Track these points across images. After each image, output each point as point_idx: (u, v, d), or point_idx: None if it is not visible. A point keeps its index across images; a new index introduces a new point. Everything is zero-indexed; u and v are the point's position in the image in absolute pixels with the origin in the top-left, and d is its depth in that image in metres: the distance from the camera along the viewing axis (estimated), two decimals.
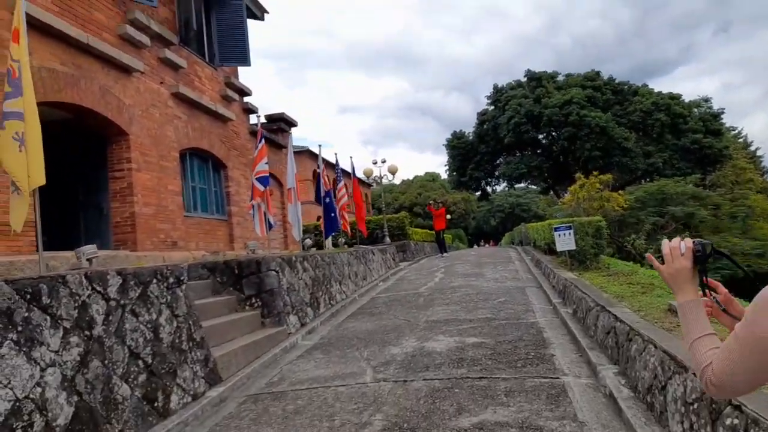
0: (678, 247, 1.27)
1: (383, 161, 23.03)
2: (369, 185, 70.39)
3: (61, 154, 8.53)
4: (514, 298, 8.90)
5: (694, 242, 1.26)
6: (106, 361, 4.01)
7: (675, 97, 33.39)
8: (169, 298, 5.05)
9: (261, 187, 8.92)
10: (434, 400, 4.11)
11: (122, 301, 4.38)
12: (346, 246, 14.38)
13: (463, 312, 7.87)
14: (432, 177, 72.26)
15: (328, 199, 12.11)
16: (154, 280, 4.92)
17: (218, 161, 11.26)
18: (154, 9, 8.93)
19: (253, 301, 7.55)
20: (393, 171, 22.23)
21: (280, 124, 15.25)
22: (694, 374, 2.93)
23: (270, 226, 9.20)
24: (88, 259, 4.93)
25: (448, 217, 54.83)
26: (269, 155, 14.28)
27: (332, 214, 12.02)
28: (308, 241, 11.34)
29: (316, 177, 12.18)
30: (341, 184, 13.57)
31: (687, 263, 1.25)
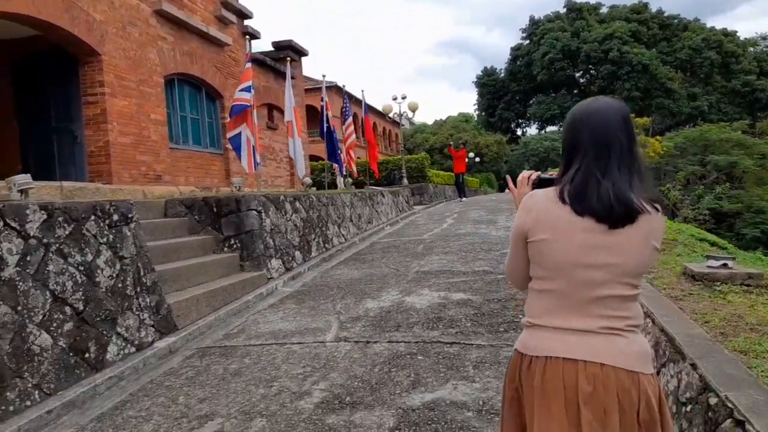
0: (526, 177, 1.54)
1: (403, 97, 21.91)
2: (399, 125, 69.17)
3: (33, 74, 8.00)
4: None
5: (538, 175, 1.52)
6: (19, 307, 3.58)
7: (729, 34, 30.65)
8: (111, 237, 4.57)
9: (236, 114, 8.24)
10: (391, 368, 3.59)
11: (46, 240, 3.90)
12: (353, 187, 13.78)
13: (460, 263, 7.28)
14: (465, 118, 70.28)
15: (332, 136, 11.40)
16: (92, 217, 4.42)
17: (213, 90, 10.58)
18: None
19: (232, 242, 7.09)
20: (413, 108, 21.17)
21: (288, 52, 14.31)
22: (691, 365, 2.29)
23: (256, 164, 8.59)
24: (20, 191, 4.45)
25: (477, 159, 53.37)
26: (273, 85, 13.53)
27: (337, 152, 11.35)
28: (308, 180, 10.76)
29: (321, 111, 11.42)
30: (349, 120, 12.77)
31: (528, 189, 1.50)
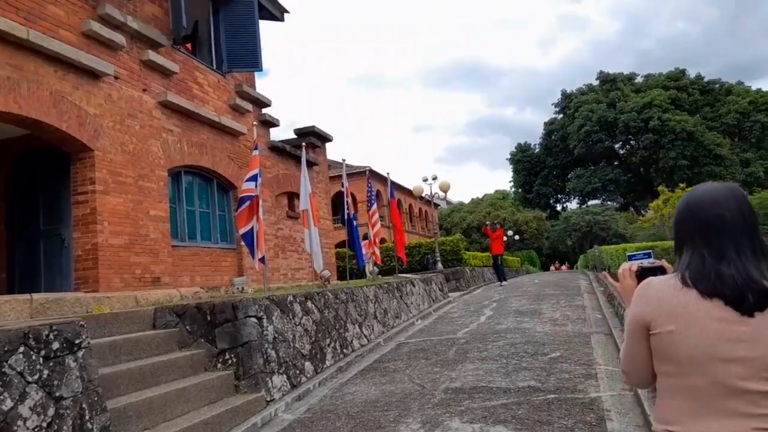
0: (627, 269, 1.53)
1: (434, 178, 21.30)
2: (436, 205, 68.89)
3: (26, 175, 7.59)
4: (574, 352, 6.91)
5: (639, 266, 1.51)
6: None
7: None
8: (46, 373, 3.65)
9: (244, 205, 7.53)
10: None
11: None
12: (379, 277, 12.76)
13: (500, 375, 6.02)
14: (502, 195, 69.81)
15: (354, 223, 10.60)
16: (21, 349, 3.53)
17: (225, 181, 10.06)
18: (135, 4, 7.88)
19: (227, 357, 6.10)
20: (445, 188, 20.46)
21: (310, 138, 13.99)
22: None
23: (263, 259, 7.76)
24: None
25: (517, 237, 51.88)
26: (295, 173, 13.04)
27: (357, 241, 10.49)
28: (326, 273, 9.84)
29: (342, 197, 10.71)
30: (374, 207, 12.00)
31: (632, 281, 1.49)
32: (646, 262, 1.51)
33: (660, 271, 1.46)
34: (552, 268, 57.19)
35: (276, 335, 6.52)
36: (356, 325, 8.90)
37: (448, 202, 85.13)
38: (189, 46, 11.11)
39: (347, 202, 10.43)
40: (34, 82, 6.14)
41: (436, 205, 69.99)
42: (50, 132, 6.53)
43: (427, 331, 9.90)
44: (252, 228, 7.70)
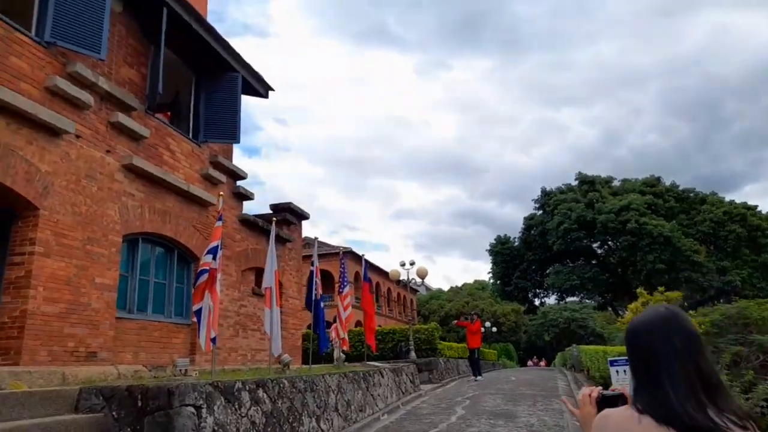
0: (587, 395, 1.48)
1: (412, 263, 20.88)
2: (414, 291, 68.01)
3: None
4: None
5: (600, 392, 1.48)
6: None
7: (750, 208, 30.25)
8: None
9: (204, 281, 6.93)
10: None
11: None
12: (346, 364, 11.90)
13: None
14: (481, 285, 69.41)
15: (322, 304, 9.95)
16: None
17: (188, 252, 9.48)
18: (111, 66, 7.70)
19: None
20: (422, 275, 19.98)
21: (285, 215, 13.61)
22: None
23: (213, 339, 7.04)
24: None
25: (494, 329, 50.75)
26: (265, 249, 12.51)
27: (322, 324, 9.79)
28: (286, 357, 9.05)
29: (309, 277, 10.14)
30: (346, 290, 11.41)
31: (592, 409, 1.45)
32: (609, 391, 1.49)
33: (621, 399, 1.44)
34: (530, 363, 55.65)
35: (216, 428, 5.70)
36: (313, 419, 8.01)
37: (427, 288, 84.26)
38: (168, 114, 10.98)
39: (316, 282, 9.84)
40: None
41: (415, 291, 69.23)
42: None
43: (393, 430, 8.98)
44: (205, 304, 7.05)
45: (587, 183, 33.58)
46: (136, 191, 8.18)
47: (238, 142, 10.37)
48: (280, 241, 13.19)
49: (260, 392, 6.84)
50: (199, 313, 7.04)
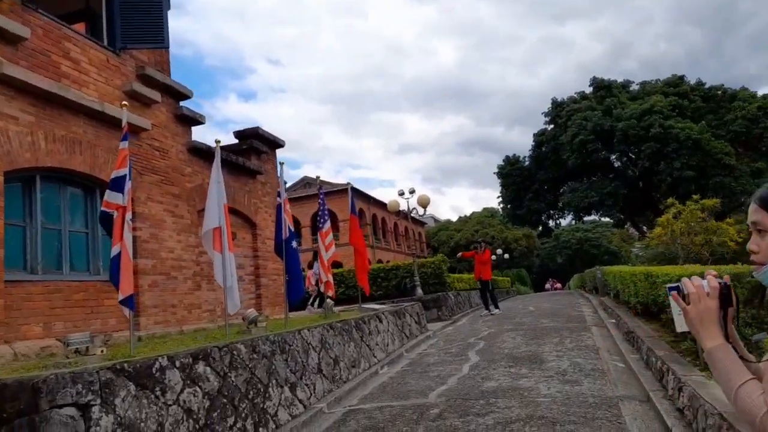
0: (701, 286, 1.27)
1: (411, 192, 19.01)
2: (422, 223, 66.72)
3: None
4: None
5: (720, 281, 1.26)
6: None
7: None
8: None
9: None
10: None
11: None
12: (334, 311, 10.28)
13: None
14: (490, 213, 68.00)
15: (294, 244, 8.15)
16: None
17: None
18: None
19: None
20: (423, 203, 18.13)
21: (253, 142, 11.62)
22: None
23: (131, 301, 5.27)
24: None
25: (506, 256, 49.55)
26: (232, 184, 10.63)
27: (297, 270, 8.04)
28: (251, 312, 7.37)
29: (277, 214, 8.27)
30: (326, 227, 9.56)
31: (713, 304, 1.25)
32: (722, 280, 1.26)
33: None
34: (547, 285, 54.90)
35: (117, 430, 4.02)
36: (285, 388, 6.40)
37: (436, 220, 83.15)
38: (84, 25, 8.80)
39: (284, 218, 7.98)
40: None
41: (422, 223, 67.92)
42: None
43: (392, 388, 7.42)
44: (119, 251, 5.23)
45: (603, 88, 30.84)
46: (21, 113, 6.20)
47: (167, 47, 8.26)
48: (248, 173, 11.30)
49: (200, 367, 5.15)
50: (114, 263, 5.24)
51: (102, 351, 4.83)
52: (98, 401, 3.97)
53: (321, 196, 9.88)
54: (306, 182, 53.74)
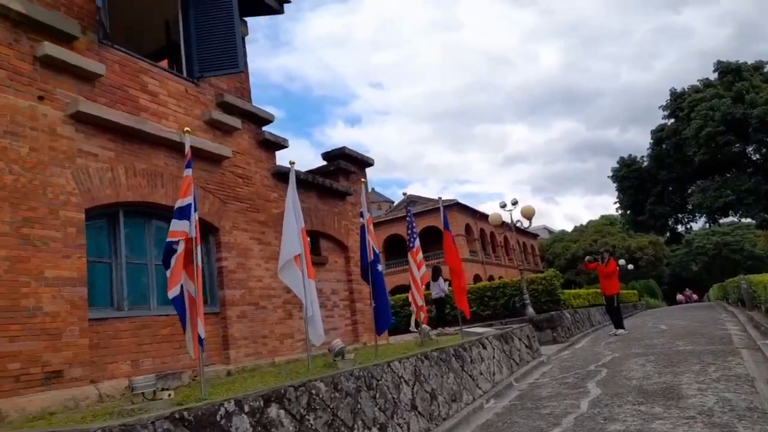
0: None
1: (514, 203, 17.84)
2: (535, 235, 63.96)
3: None
4: None
5: None
6: None
7: None
8: None
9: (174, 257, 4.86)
10: None
11: None
12: (432, 337, 9.54)
13: None
14: (609, 220, 63.69)
15: (380, 267, 7.60)
16: None
17: (200, 223, 7.52)
18: None
19: None
20: (528, 215, 16.91)
21: (340, 162, 11.36)
22: None
23: (201, 341, 4.97)
24: None
25: (630, 267, 45.62)
26: (319, 207, 10.40)
27: (383, 295, 7.47)
28: (337, 344, 6.88)
29: (361, 236, 7.78)
30: (415, 246, 8.93)
31: None
32: None
33: None
34: (679, 297, 49.83)
35: None
36: (374, 429, 5.79)
37: (549, 231, 79.33)
38: (167, 61, 9.04)
39: (368, 240, 7.48)
40: None
41: (535, 235, 64.98)
42: None
43: (495, 428, 6.53)
44: (182, 288, 4.98)
45: (731, 72, 27.39)
46: (100, 149, 6.28)
47: (241, 70, 8.19)
48: (337, 195, 11.01)
49: (272, 411, 4.69)
50: (177, 302, 4.99)
51: (170, 395, 4.54)
52: None
53: (409, 214, 9.29)
54: (410, 200, 53.92)
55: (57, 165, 5.75)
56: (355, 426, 5.58)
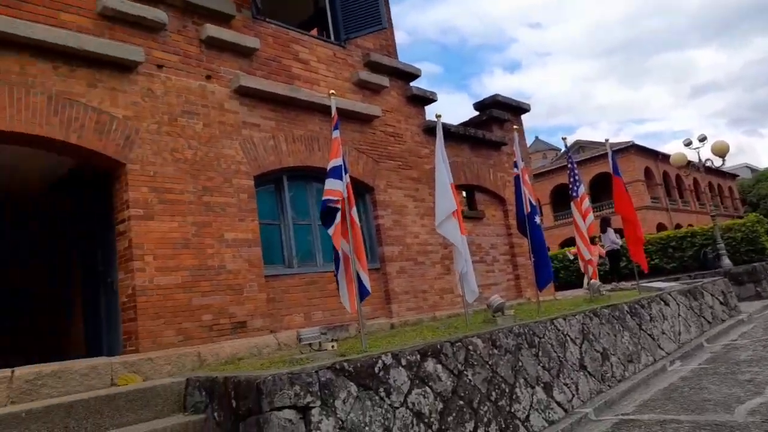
0: None
1: (701, 139, 15.54)
2: (733, 176, 55.78)
3: (80, 207, 6.59)
4: None
5: None
6: None
7: None
8: None
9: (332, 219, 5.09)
10: None
11: None
12: (603, 293, 8.84)
13: None
14: None
15: (537, 220, 7.19)
16: None
17: (359, 183, 7.82)
18: None
19: None
20: (720, 152, 14.64)
21: (492, 111, 10.89)
22: None
23: (364, 293, 5.18)
24: None
25: None
26: (472, 159, 10.14)
27: (542, 250, 7.06)
28: (495, 299, 6.68)
29: (516, 187, 7.40)
30: (580, 192, 8.26)
31: None
32: None
33: None
34: None
35: None
36: (538, 388, 5.60)
37: (752, 170, 68.28)
38: (316, 30, 9.36)
39: (523, 191, 7.08)
40: (20, 86, 4.82)
41: (734, 176, 56.49)
42: (63, 149, 5.20)
43: (681, 394, 5.90)
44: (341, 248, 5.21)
45: None
46: (262, 119, 6.77)
47: (385, 27, 8.15)
48: (491, 145, 10.62)
49: (429, 365, 4.76)
50: (337, 260, 5.24)
51: (333, 346, 4.83)
52: (318, 403, 3.88)
53: (570, 160, 8.57)
54: (579, 146, 50.23)
55: (227, 137, 6.33)
56: (517, 384, 5.43)
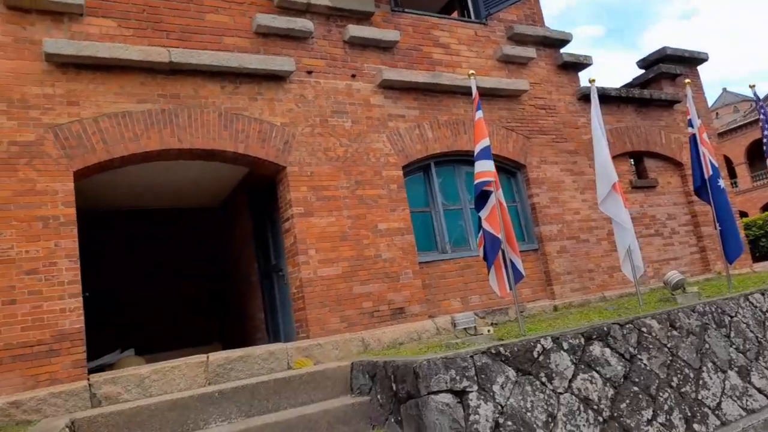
0: None
1: None
2: None
3: (256, 210, 7.33)
4: None
5: None
6: None
7: None
8: None
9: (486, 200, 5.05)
10: None
11: None
12: None
13: None
14: None
15: (721, 183, 6.31)
16: None
17: (505, 161, 7.63)
18: None
19: None
20: None
21: (660, 67, 9.76)
22: None
23: (518, 276, 5.06)
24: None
25: None
26: (639, 124, 9.23)
27: (729, 216, 6.17)
28: (673, 275, 6.00)
29: (692, 147, 6.56)
30: None
31: None
32: None
33: None
34: None
35: (500, 422, 3.83)
36: (731, 373, 4.97)
37: None
38: (456, 12, 9.27)
39: (701, 152, 6.24)
40: (195, 108, 5.54)
41: None
42: (234, 159, 5.86)
43: None
44: (492, 232, 5.12)
45: None
46: (406, 110, 6.91)
47: None
48: (661, 105, 9.57)
49: (595, 349, 4.48)
50: (490, 242, 5.17)
51: (489, 330, 4.79)
52: (475, 388, 3.89)
53: (762, 111, 7.33)
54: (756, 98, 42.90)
55: (374, 131, 6.58)
56: (704, 368, 4.86)
